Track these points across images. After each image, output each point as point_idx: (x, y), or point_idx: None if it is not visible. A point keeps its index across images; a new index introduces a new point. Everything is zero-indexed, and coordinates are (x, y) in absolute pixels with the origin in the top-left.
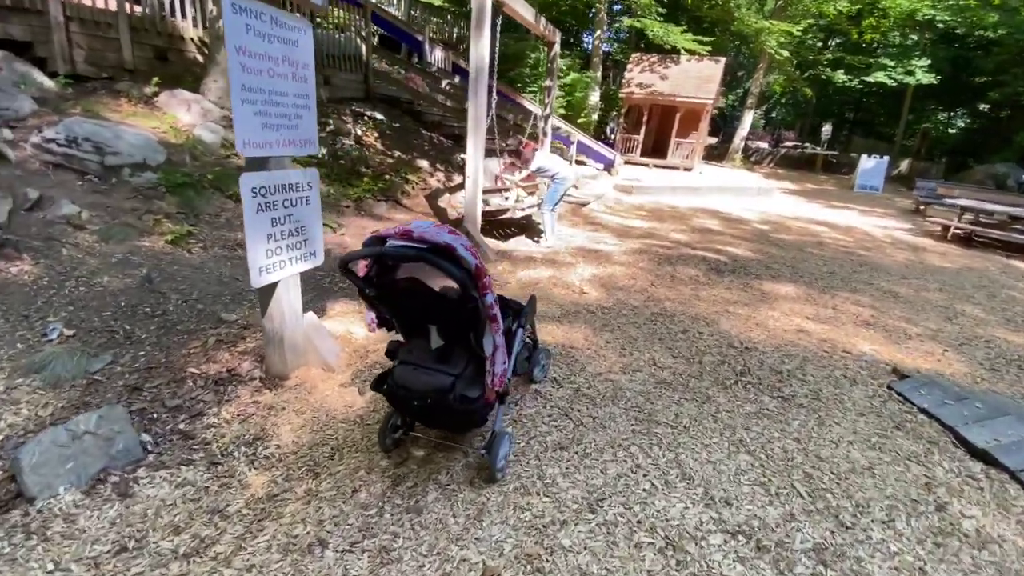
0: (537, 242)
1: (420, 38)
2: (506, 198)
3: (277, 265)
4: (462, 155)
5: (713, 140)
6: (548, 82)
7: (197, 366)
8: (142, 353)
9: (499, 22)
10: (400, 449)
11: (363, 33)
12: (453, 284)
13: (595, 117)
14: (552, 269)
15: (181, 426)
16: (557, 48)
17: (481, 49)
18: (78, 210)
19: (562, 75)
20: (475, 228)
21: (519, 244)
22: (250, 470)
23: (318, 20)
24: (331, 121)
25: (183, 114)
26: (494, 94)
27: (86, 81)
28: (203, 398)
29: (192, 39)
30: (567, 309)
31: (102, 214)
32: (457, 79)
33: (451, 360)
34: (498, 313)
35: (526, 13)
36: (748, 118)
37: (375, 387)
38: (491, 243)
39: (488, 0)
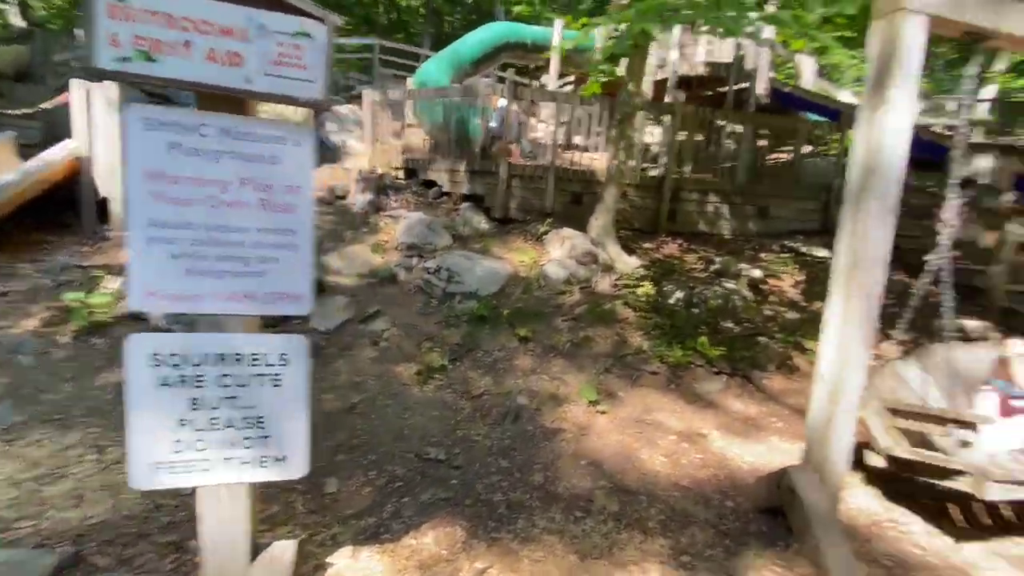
0: None
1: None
2: (963, 443)
3: (193, 466)
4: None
5: None
6: None
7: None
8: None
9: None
10: None
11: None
12: None
13: None
14: None
15: None
16: None
17: (881, 127)
18: (385, 328)
19: None
20: (825, 498)
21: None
22: None
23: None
24: (718, 260)
25: (555, 250)
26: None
27: (511, 223)
28: None
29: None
30: None
31: (402, 335)
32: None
33: None
34: None
35: None
36: None
37: None
38: (916, 529)
39: (910, 27)
